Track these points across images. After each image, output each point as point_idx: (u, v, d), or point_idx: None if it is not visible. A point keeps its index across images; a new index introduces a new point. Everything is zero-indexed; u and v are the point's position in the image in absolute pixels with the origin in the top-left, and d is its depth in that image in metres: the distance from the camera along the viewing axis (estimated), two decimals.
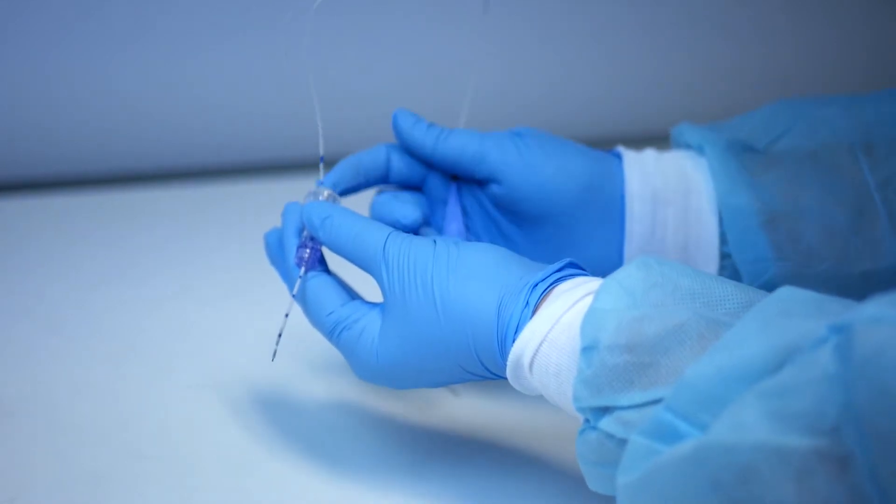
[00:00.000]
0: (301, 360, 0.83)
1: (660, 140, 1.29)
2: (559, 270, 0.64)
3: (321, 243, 0.70)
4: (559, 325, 0.61)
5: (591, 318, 0.58)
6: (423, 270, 0.65)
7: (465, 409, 0.78)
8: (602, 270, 0.74)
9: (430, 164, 0.75)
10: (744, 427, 0.50)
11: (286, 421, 0.77)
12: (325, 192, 0.72)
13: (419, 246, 0.66)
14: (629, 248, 0.75)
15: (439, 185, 0.76)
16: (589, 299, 0.60)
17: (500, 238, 0.76)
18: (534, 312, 0.62)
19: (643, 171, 0.76)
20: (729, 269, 0.76)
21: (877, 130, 0.76)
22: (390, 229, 0.67)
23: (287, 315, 0.70)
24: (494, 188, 0.74)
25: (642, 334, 0.57)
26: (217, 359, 0.84)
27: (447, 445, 0.75)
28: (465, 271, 0.64)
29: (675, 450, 0.53)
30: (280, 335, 0.70)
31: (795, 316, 0.53)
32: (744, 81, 1.25)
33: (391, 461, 0.73)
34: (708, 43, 1.24)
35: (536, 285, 0.63)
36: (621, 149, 0.77)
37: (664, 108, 1.24)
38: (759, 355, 0.52)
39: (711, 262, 0.76)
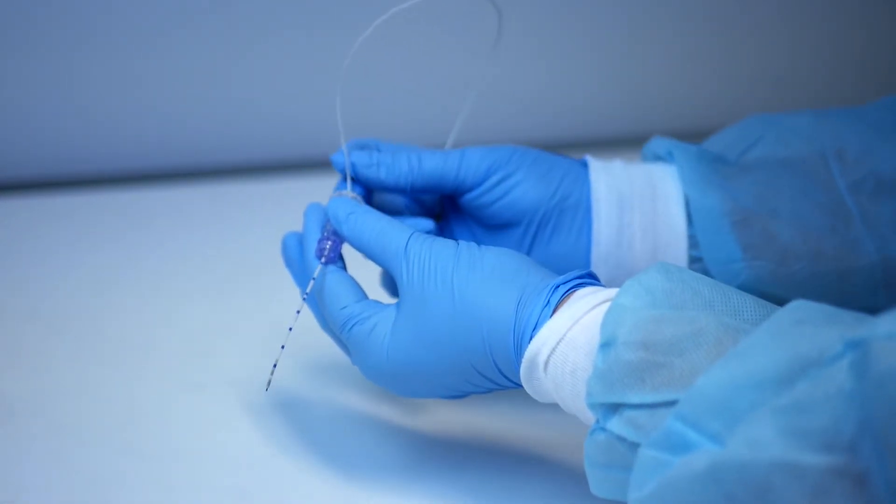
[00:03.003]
0: (303, 362, 0.83)
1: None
2: (580, 277, 0.64)
3: (343, 239, 0.71)
4: (578, 326, 0.61)
5: (611, 315, 0.59)
6: (444, 268, 0.66)
7: (465, 412, 0.78)
8: None
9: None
10: (759, 444, 0.51)
11: (287, 421, 0.77)
12: (350, 194, 0.73)
13: (442, 245, 0.67)
14: (596, 252, 0.75)
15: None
16: (609, 304, 0.61)
17: (469, 238, 0.77)
18: (553, 313, 0.63)
19: (609, 176, 0.76)
20: (699, 272, 0.75)
21: (848, 136, 0.76)
22: (413, 229, 0.68)
23: (283, 347, 0.71)
24: (464, 197, 0.76)
25: (659, 334, 0.57)
26: (218, 359, 0.84)
27: (447, 448, 0.75)
28: (486, 270, 0.65)
29: (688, 465, 0.53)
30: (275, 365, 0.71)
31: (808, 325, 0.53)
32: (740, 82, 1.25)
33: (392, 464, 0.73)
34: (704, 44, 1.24)
35: (558, 287, 0.64)
36: (588, 158, 0.78)
37: (660, 109, 1.25)
38: (771, 364, 0.52)
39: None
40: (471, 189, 0.75)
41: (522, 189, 0.74)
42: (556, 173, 0.75)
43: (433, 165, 0.74)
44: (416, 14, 0.76)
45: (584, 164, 0.77)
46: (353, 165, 0.74)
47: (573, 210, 0.75)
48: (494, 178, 0.74)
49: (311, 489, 0.71)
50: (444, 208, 0.78)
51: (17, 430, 0.76)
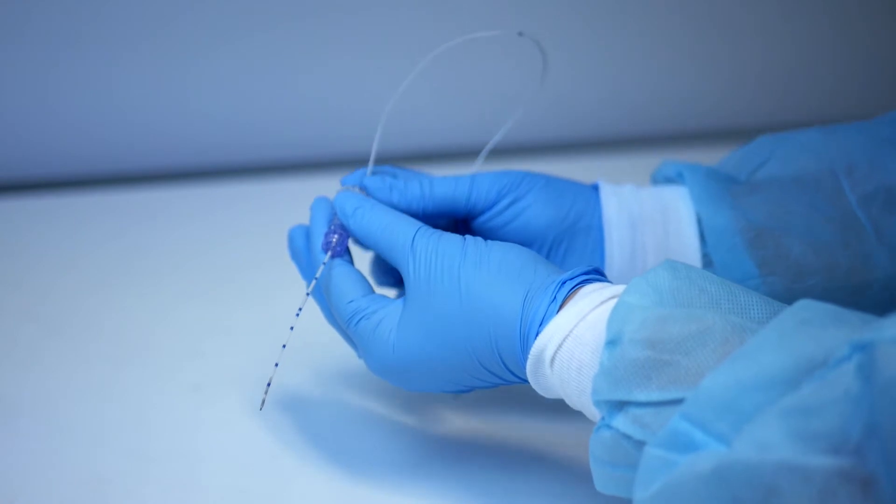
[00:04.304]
0: (304, 363, 0.83)
1: (662, 140, 1.29)
2: (586, 273, 0.64)
3: (350, 233, 0.71)
4: (585, 322, 0.61)
5: (618, 312, 0.59)
6: (451, 262, 0.66)
7: (469, 409, 0.78)
8: None
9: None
10: (767, 446, 0.50)
11: (288, 422, 0.77)
12: (357, 188, 0.73)
13: (449, 240, 0.67)
14: (609, 275, 0.75)
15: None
16: (616, 301, 0.61)
17: None
18: (559, 309, 0.63)
19: (620, 199, 0.76)
20: None
21: (858, 151, 0.76)
22: (420, 224, 0.69)
23: (277, 364, 0.71)
24: (476, 221, 0.76)
25: (666, 332, 0.57)
26: (218, 359, 0.84)
27: (451, 445, 0.75)
28: (493, 266, 0.65)
29: (694, 465, 0.53)
30: (269, 384, 0.71)
31: (814, 325, 0.54)
32: (744, 81, 1.25)
33: (395, 461, 0.73)
34: (708, 44, 1.24)
35: (564, 283, 0.64)
36: (600, 182, 0.78)
37: (665, 109, 1.25)
38: (777, 365, 0.52)
39: None
40: (482, 212, 0.75)
41: (533, 212, 0.75)
42: (566, 197, 0.76)
43: (444, 190, 0.74)
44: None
45: (596, 189, 0.78)
46: (365, 188, 0.74)
47: (585, 233, 0.76)
48: (505, 202, 0.75)
49: (313, 488, 0.71)
50: (459, 230, 0.78)
51: (14, 429, 0.76)
